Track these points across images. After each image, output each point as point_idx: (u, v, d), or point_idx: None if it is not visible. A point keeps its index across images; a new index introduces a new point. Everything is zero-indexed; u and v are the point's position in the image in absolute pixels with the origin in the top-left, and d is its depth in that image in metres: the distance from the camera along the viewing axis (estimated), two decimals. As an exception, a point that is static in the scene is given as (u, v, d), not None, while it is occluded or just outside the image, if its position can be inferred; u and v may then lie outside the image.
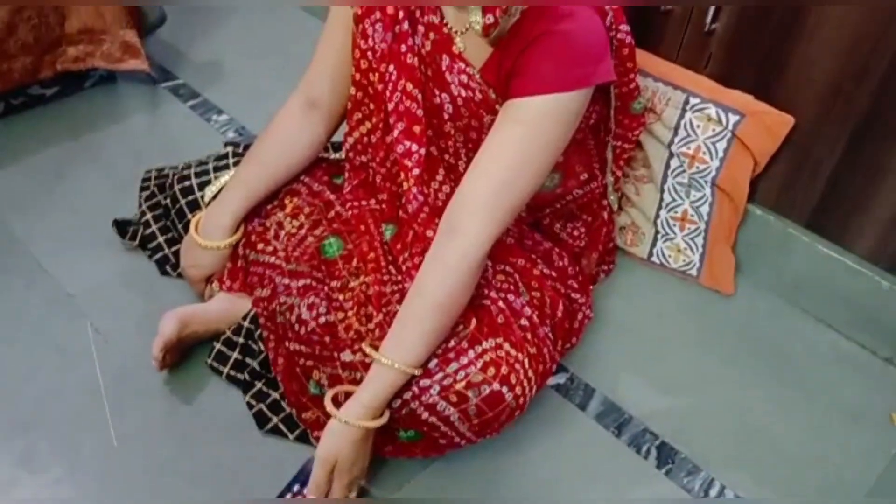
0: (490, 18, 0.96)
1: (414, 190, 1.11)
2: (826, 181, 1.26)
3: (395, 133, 1.10)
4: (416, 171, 1.10)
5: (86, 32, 1.59)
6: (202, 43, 1.94)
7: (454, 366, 1.02)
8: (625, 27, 1.08)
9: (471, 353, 1.03)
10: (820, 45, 1.17)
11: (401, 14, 1.05)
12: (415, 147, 1.09)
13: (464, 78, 1.05)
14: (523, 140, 0.99)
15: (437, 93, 1.08)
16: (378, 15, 1.07)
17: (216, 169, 1.30)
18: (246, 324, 1.18)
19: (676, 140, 1.31)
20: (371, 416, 1.00)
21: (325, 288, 1.14)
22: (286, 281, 1.15)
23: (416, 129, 1.08)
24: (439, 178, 1.13)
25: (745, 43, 1.24)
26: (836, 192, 1.26)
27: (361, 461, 1.03)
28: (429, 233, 1.11)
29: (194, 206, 1.27)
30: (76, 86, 1.70)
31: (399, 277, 1.14)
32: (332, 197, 1.24)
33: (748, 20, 1.22)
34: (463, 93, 1.06)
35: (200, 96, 1.76)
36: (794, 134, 1.25)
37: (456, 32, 1.05)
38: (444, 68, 1.06)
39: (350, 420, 0.99)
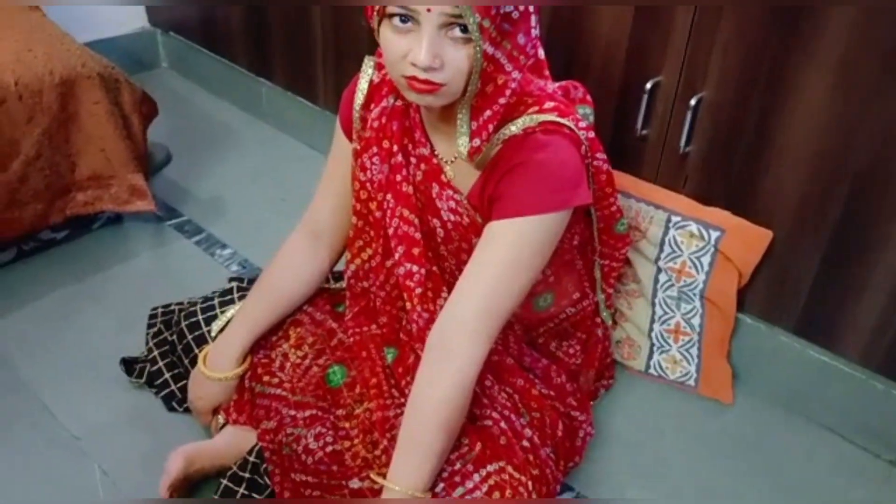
0: (477, 142, 1.02)
1: (418, 308, 1.15)
2: (810, 289, 1.30)
3: (396, 256, 1.15)
4: (418, 291, 1.15)
5: (94, 178, 1.66)
6: (206, 179, 2.02)
7: (460, 490, 1.04)
8: (601, 155, 1.15)
9: (476, 477, 1.05)
10: (788, 164, 1.23)
11: (395, 148, 1.13)
12: (415, 268, 1.14)
13: (452, 204, 1.12)
14: (505, 261, 1.04)
15: (430, 218, 1.15)
16: (375, 149, 1.15)
17: (221, 304, 1.34)
18: (251, 458, 1.19)
19: (662, 256, 1.36)
20: None
21: (332, 417, 1.16)
22: (292, 412, 1.17)
23: (416, 251, 1.14)
24: (444, 295, 1.17)
25: (719, 164, 1.31)
26: (820, 298, 1.30)
27: None
28: None
29: (201, 341, 1.30)
30: (85, 228, 1.77)
31: (402, 400, 1.16)
32: (335, 325, 1.29)
33: (719, 143, 1.30)
34: (452, 217, 1.12)
35: (204, 231, 1.82)
36: (775, 245, 1.30)
37: (445, 162, 1.12)
38: (434, 195, 1.13)
39: None
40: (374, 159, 1.15)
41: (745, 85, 1.23)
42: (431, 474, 1.03)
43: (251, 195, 1.97)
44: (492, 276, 1.05)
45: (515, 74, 0.99)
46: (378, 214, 1.18)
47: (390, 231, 1.15)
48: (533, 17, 0.99)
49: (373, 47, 1.13)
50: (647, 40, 1.31)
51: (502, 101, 1.00)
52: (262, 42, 2.12)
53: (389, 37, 0.96)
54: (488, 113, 1.00)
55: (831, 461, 1.33)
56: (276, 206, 1.90)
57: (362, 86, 1.16)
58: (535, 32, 1.00)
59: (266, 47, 2.12)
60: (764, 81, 1.21)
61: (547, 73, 1.17)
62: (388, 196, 1.15)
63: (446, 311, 1.07)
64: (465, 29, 0.93)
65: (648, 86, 1.31)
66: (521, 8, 0.96)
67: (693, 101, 1.27)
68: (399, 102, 1.12)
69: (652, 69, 1.32)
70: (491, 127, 1.01)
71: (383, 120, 1.13)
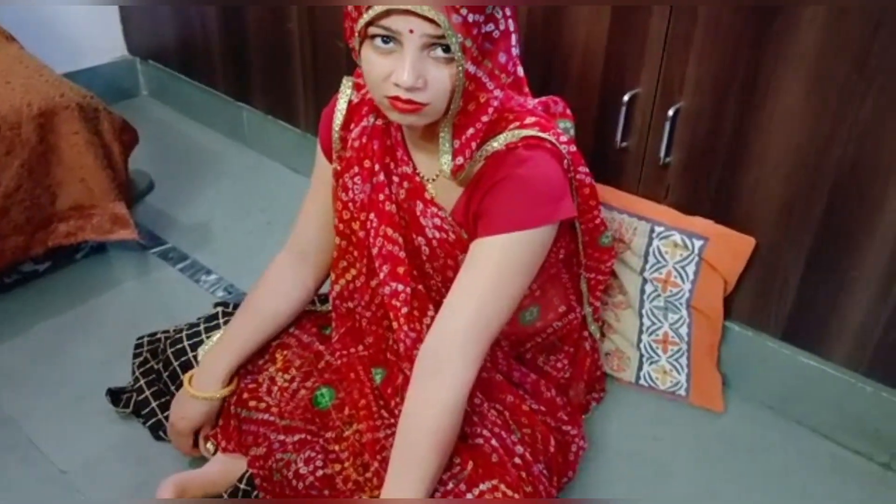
0: (460, 160, 1.02)
1: (405, 328, 1.14)
2: (795, 294, 1.30)
3: (381, 275, 1.15)
4: (404, 310, 1.14)
5: (76, 209, 1.65)
6: (189, 205, 2.02)
7: (455, 509, 1.03)
8: (583, 168, 1.15)
9: (469, 497, 1.04)
10: (768, 169, 1.24)
11: (377, 167, 1.13)
12: (401, 287, 1.14)
13: (437, 221, 1.12)
14: (492, 278, 1.04)
15: (414, 236, 1.14)
16: (356, 169, 1.15)
17: (207, 329, 1.33)
18: (242, 486, 1.17)
19: (648, 267, 1.36)
20: None
21: (321, 441, 1.15)
22: (281, 437, 1.16)
23: (401, 269, 1.14)
24: (430, 313, 1.16)
25: (699, 173, 1.32)
26: (806, 303, 1.30)
27: None
28: None
29: (187, 367, 1.29)
30: (68, 259, 1.75)
31: (392, 421, 1.15)
32: (322, 348, 1.28)
33: (699, 152, 1.30)
34: (437, 235, 1.12)
35: (189, 258, 1.82)
36: (758, 252, 1.30)
37: (427, 180, 1.12)
38: (418, 213, 1.12)
39: None
40: (356, 179, 1.15)
41: (721, 93, 1.24)
42: (426, 495, 1.03)
43: (235, 220, 1.96)
44: (479, 295, 1.04)
45: (497, 93, 1.00)
46: (361, 234, 1.17)
47: (374, 251, 1.15)
48: (513, 36, 0.99)
49: (352, 69, 1.14)
50: (623, 52, 1.32)
51: (485, 118, 1.00)
52: (241, 67, 2.13)
53: (371, 58, 0.96)
54: (471, 131, 1.01)
55: (826, 465, 1.33)
56: (261, 230, 1.90)
57: (341, 106, 1.16)
58: (515, 51, 1.01)
59: (246, 73, 2.12)
60: (739, 88, 1.22)
61: (527, 89, 1.18)
62: (371, 215, 1.15)
63: (435, 330, 1.07)
64: (447, 49, 0.93)
65: (626, 98, 1.32)
66: (502, 27, 0.97)
67: (671, 112, 1.28)
68: (380, 121, 1.13)
69: (629, 81, 1.33)
70: (474, 145, 1.02)
71: (364, 140, 1.13)
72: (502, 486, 1.05)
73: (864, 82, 1.10)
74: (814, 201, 1.22)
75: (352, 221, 1.18)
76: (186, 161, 2.22)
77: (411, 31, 0.91)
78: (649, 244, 1.35)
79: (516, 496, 1.04)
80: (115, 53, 2.50)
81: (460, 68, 0.94)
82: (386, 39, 0.94)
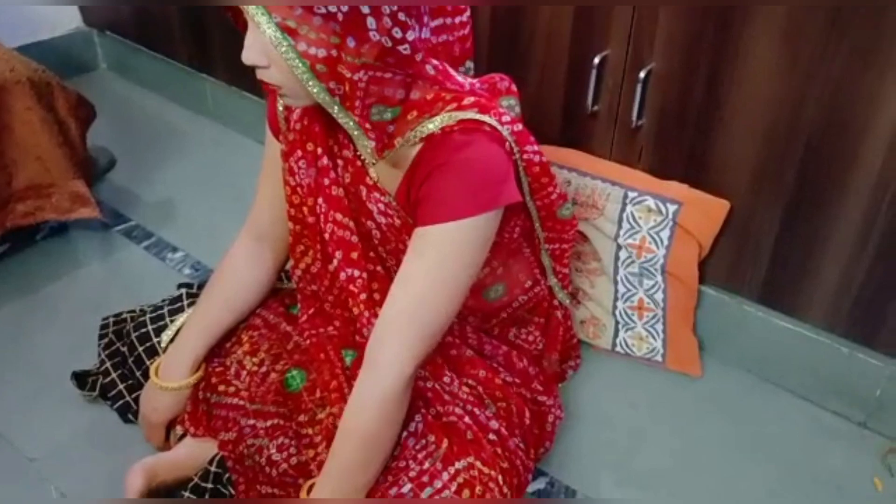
0: (373, 143, 0.98)
1: (366, 314, 1.12)
2: (770, 257, 1.29)
3: (335, 261, 1.12)
4: (363, 296, 1.11)
5: (33, 188, 1.60)
6: (153, 181, 1.97)
7: (429, 490, 1.01)
8: (531, 147, 1.08)
9: (444, 476, 1.03)
10: (740, 132, 1.22)
11: (320, 150, 1.09)
12: (356, 272, 1.11)
13: (381, 206, 1.08)
14: (431, 268, 0.99)
15: (364, 220, 1.11)
16: (300, 152, 1.10)
17: (171, 312, 1.30)
18: (213, 468, 1.15)
19: (621, 233, 1.34)
20: None
21: (293, 425, 1.13)
22: (251, 422, 1.14)
23: (354, 255, 1.11)
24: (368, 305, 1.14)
25: (672, 136, 1.29)
26: (781, 265, 1.29)
27: None
28: None
29: (152, 353, 1.26)
30: (27, 240, 1.70)
31: None
32: (290, 328, 1.25)
33: (671, 115, 1.28)
34: (384, 220, 1.09)
35: (154, 236, 1.77)
36: (732, 215, 1.29)
37: (369, 164, 1.07)
38: (364, 197, 1.09)
39: None
40: (301, 163, 1.11)
41: (692, 53, 1.21)
42: (364, 487, 1.02)
43: (200, 195, 1.91)
44: (418, 285, 1.00)
45: (361, 74, 0.91)
46: (311, 220, 1.14)
47: (326, 236, 1.12)
48: (370, 19, 0.88)
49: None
50: (592, 13, 1.28)
51: (369, 101, 0.93)
52: (201, 37, 2.06)
53: None
54: (359, 109, 0.94)
55: (803, 426, 1.33)
56: (227, 204, 1.85)
57: None
58: (382, 35, 0.90)
59: (206, 42, 2.06)
60: (710, 48, 1.19)
61: (470, 64, 1.13)
62: (320, 200, 1.11)
63: (377, 323, 1.03)
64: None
65: (596, 60, 1.29)
66: (345, 8, 0.86)
67: (642, 74, 1.25)
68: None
69: (598, 43, 1.30)
70: (391, 128, 0.98)
71: (305, 121, 1.09)
72: (478, 464, 1.03)
73: (835, 39, 1.08)
74: (787, 162, 1.20)
75: (302, 206, 1.14)
76: (149, 135, 2.16)
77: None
78: (623, 210, 1.33)
79: (493, 472, 1.03)
80: (71, 25, 2.41)
81: (288, 48, 0.87)
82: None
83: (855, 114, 1.11)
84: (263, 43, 0.90)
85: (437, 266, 1.00)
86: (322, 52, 0.89)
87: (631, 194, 1.31)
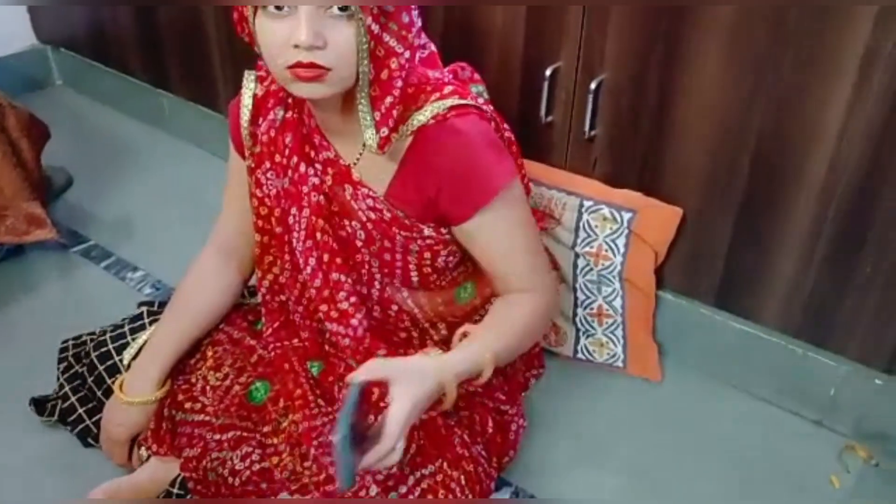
0: (384, 131, 0.98)
1: (355, 318, 1.14)
2: (724, 261, 1.31)
3: (309, 269, 1.12)
4: (353, 299, 1.13)
5: (-13, 210, 1.58)
6: (111, 200, 1.94)
7: (394, 495, 1.03)
8: (506, 126, 1.15)
9: (410, 480, 1.04)
10: (691, 139, 1.24)
11: (294, 160, 1.09)
12: (343, 277, 1.12)
13: (369, 202, 1.08)
14: (503, 235, 1.09)
15: (345, 224, 1.11)
16: (268, 164, 1.11)
17: (132, 331, 1.29)
18: (175, 490, 1.14)
19: (579, 241, 1.36)
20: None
21: (258, 436, 1.13)
22: (217, 436, 1.13)
23: (339, 260, 1.12)
24: (370, 304, 1.16)
25: (625, 145, 1.31)
26: (734, 270, 1.31)
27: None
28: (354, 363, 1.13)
29: (113, 372, 1.25)
30: (-18, 264, 1.68)
31: (328, 409, 1.14)
32: (254, 342, 1.25)
33: (623, 124, 1.30)
34: (372, 216, 1.09)
35: (113, 255, 1.75)
36: (686, 222, 1.31)
37: (351, 164, 1.08)
38: (348, 197, 1.09)
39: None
40: (269, 174, 1.11)
41: (641, 64, 1.23)
42: (505, 359, 1.11)
43: (160, 212, 1.90)
44: (507, 258, 1.11)
45: (407, 55, 0.96)
46: (279, 230, 1.14)
47: (299, 245, 1.12)
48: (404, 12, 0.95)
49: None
50: (543, 26, 1.30)
51: (399, 84, 0.97)
52: (157, 53, 2.05)
53: (267, 27, 0.92)
54: (389, 99, 0.97)
55: (761, 427, 1.35)
56: (187, 221, 1.84)
57: (246, 101, 1.12)
58: (417, 16, 0.98)
59: (162, 57, 2.04)
60: (660, 58, 1.21)
61: (440, 63, 1.15)
62: (293, 209, 1.11)
63: (503, 281, 1.14)
64: (344, 8, 0.89)
65: (548, 72, 1.30)
66: None
67: (593, 85, 1.27)
68: (290, 114, 1.09)
69: (550, 55, 1.31)
70: (395, 112, 0.98)
71: (272, 134, 1.09)
72: (444, 466, 1.05)
73: (781, 49, 1.10)
74: (737, 169, 1.22)
75: (269, 216, 1.15)
76: (106, 153, 2.14)
77: None
78: (579, 219, 1.34)
79: (455, 473, 1.04)
80: (24, 42, 2.38)
81: (360, 24, 0.90)
82: (279, 7, 0.90)
83: (801, 121, 1.13)
84: (322, 25, 0.89)
85: (507, 232, 1.09)
86: (384, 33, 0.93)
87: (586, 203, 1.33)
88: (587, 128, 1.30)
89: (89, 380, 1.27)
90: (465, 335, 1.08)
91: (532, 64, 1.33)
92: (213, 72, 1.93)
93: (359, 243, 1.12)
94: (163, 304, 1.30)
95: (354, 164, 1.08)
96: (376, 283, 1.17)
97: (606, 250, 1.34)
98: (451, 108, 1.02)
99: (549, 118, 1.36)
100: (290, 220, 1.12)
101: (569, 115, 1.34)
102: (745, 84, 1.15)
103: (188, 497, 1.13)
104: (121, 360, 1.25)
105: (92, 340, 1.30)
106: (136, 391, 1.19)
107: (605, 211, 1.32)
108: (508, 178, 1.05)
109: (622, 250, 1.33)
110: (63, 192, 1.92)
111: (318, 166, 1.10)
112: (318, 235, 1.11)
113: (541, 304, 1.14)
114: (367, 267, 1.15)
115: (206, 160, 2.09)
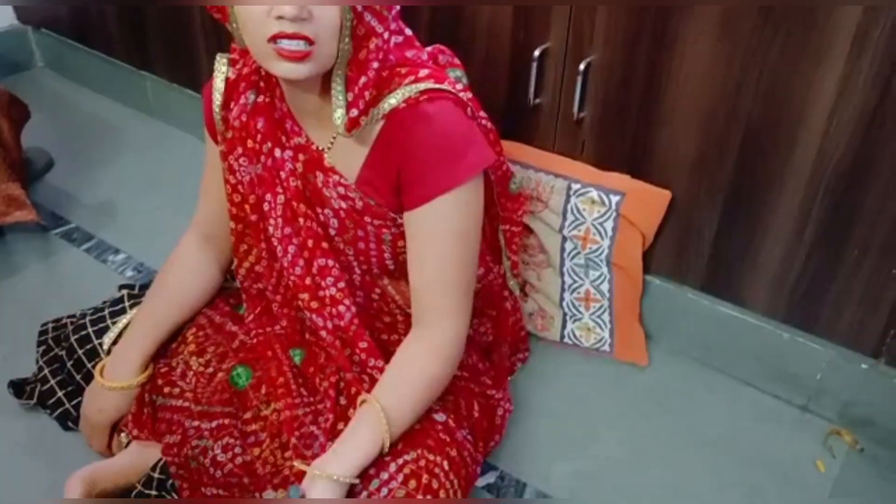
0: (354, 112, 0.97)
1: (343, 304, 1.12)
2: (711, 245, 1.30)
3: (289, 256, 1.10)
4: (340, 284, 1.11)
5: (-35, 192, 1.55)
6: (92, 182, 1.92)
7: (376, 482, 1.01)
8: (483, 114, 1.11)
9: (392, 467, 1.02)
10: (680, 121, 1.23)
11: (267, 146, 1.07)
12: (330, 262, 1.10)
13: (340, 189, 1.07)
14: (438, 243, 1.04)
15: (319, 210, 1.10)
16: (240, 150, 1.09)
17: (112, 314, 1.27)
18: (156, 474, 1.13)
19: (566, 224, 1.34)
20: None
21: (239, 423, 1.11)
22: (196, 423, 1.12)
23: (325, 244, 1.10)
24: (359, 293, 1.14)
25: (613, 128, 1.30)
26: (722, 254, 1.31)
27: None
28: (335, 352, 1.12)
29: (93, 355, 1.23)
30: (-39, 246, 1.65)
31: (311, 399, 1.13)
32: (236, 328, 1.24)
33: (612, 106, 1.28)
34: (343, 204, 1.08)
35: (94, 238, 1.73)
36: (675, 205, 1.30)
37: (323, 150, 1.07)
38: (320, 185, 1.08)
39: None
40: (241, 160, 1.09)
41: (630, 45, 1.22)
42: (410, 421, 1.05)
43: (142, 195, 1.87)
44: (438, 262, 1.04)
45: (385, 35, 0.95)
46: (254, 217, 1.13)
47: (275, 232, 1.10)
48: None
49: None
50: (531, 6, 1.28)
51: (375, 66, 0.95)
52: (140, 33, 2.01)
53: None
54: (363, 80, 0.95)
55: (748, 412, 1.35)
56: (170, 204, 1.82)
57: (218, 85, 1.10)
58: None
59: (145, 39, 2.01)
60: (649, 40, 1.20)
61: (417, 44, 1.13)
62: (268, 196, 1.09)
63: (421, 298, 1.07)
64: None
65: (537, 53, 1.29)
66: None
67: (582, 66, 1.25)
68: (262, 98, 1.06)
69: (539, 36, 1.29)
70: (367, 94, 0.96)
71: (243, 118, 1.07)
72: (426, 453, 1.03)
73: (769, 32, 1.09)
74: (726, 153, 1.21)
75: (243, 204, 1.13)
76: (88, 135, 2.11)
77: None
78: (567, 201, 1.33)
79: (438, 458, 1.03)
80: (3, 23, 2.34)
81: None
82: None
83: (790, 105, 1.12)
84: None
85: (448, 239, 1.04)
86: (366, 13, 0.91)
87: (574, 186, 1.32)
88: (576, 110, 1.29)
89: (68, 363, 1.25)
90: (363, 403, 1.05)
91: (520, 45, 1.32)
92: (198, 54, 1.91)
93: (332, 231, 1.11)
94: (144, 288, 1.29)
95: (328, 149, 1.06)
96: (356, 269, 1.15)
97: (594, 234, 1.33)
98: (424, 91, 0.99)
99: (538, 100, 1.34)
100: (266, 206, 1.10)
101: (557, 97, 1.32)
102: (733, 67, 1.14)
103: (169, 482, 1.11)
104: (100, 344, 1.24)
105: (72, 324, 1.28)
106: (116, 376, 1.17)
107: (594, 194, 1.31)
108: (471, 173, 1.01)
109: (610, 234, 1.32)
110: (44, 174, 1.89)
111: (290, 152, 1.08)
112: (301, 221, 1.09)
113: (442, 350, 1.08)
114: (344, 255, 1.14)
115: (190, 143, 2.06)
